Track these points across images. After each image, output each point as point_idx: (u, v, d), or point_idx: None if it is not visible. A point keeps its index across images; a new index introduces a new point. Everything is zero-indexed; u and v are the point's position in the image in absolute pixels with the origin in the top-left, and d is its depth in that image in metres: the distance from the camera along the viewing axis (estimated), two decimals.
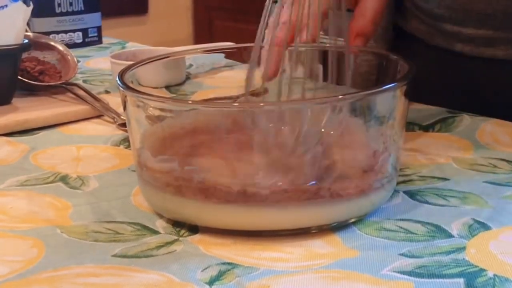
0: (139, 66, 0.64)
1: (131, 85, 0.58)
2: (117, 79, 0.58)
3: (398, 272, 0.48)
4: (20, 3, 0.88)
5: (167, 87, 0.96)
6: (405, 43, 0.94)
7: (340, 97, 0.55)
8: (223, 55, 0.99)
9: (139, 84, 0.62)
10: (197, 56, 1.14)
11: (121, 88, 0.57)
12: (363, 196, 0.55)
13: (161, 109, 0.58)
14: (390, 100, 0.56)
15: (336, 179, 0.54)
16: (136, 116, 0.57)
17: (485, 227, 0.55)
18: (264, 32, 0.63)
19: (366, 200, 0.55)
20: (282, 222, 0.54)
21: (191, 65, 1.07)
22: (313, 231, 0.54)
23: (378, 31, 0.89)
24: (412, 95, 0.79)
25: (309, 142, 0.55)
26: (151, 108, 0.57)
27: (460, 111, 0.82)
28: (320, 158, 0.54)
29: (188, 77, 1.01)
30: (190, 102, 0.62)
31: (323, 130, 0.55)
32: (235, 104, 0.64)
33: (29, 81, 0.90)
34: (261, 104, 0.59)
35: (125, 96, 0.57)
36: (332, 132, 0.56)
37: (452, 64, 0.89)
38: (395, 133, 0.58)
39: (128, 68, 0.62)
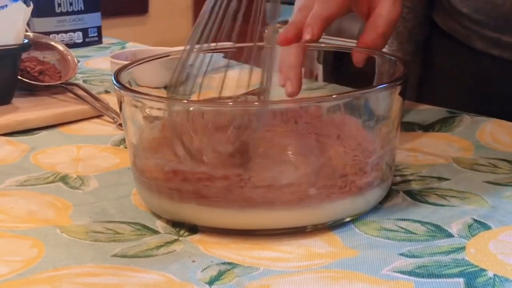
0: (135, 65, 0.63)
1: (127, 85, 0.58)
2: (113, 78, 0.58)
3: (398, 272, 0.48)
4: (20, 3, 0.88)
5: (166, 87, 0.96)
6: (442, 42, 0.93)
7: (335, 96, 0.56)
8: (223, 55, 0.99)
9: (137, 84, 0.62)
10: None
11: (116, 88, 0.57)
12: (358, 195, 0.55)
13: (158, 109, 0.58)
14: (386, 99, 0.56)
15: (330, 177, 0.54)
16: (132, 117, 0.57)
17: (485, 227, 0.55)
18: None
19: (361, 199, 0.56)
20: (277, 222, 0.54)
21: (190, 65, 1.07)
22: (309, 230, 0.54)
23: (405, 33, 0.89)
24: (446, 94, 0.78)
25: (303, 140, 0.55)
26: (147, 108, 0.57)
27: (461, 111, 0.82)
28: (315, 157, 0.54)
29: (187, 77, 1.01)
30: (185, 101, 0.62)
31: (318, 129, 0.55)
32: (232, 103, 0.64)
33: (29, 81, 0.90)
34: (256, 103, 0.59)
35: (121, 96, 0.57)
36: (327, 131, 0.56)
37: (489, 67, 0.89)
38: (390, 132, 0.58)
39: (124, 67, 0.62)
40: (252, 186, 0.53)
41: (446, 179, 0.64)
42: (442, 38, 0.93)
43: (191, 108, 0.57)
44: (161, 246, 0.53)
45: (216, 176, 0.53)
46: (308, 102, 0.58)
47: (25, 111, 0.84)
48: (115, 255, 0.52)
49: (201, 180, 0.53)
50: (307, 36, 0.68)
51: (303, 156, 0.54)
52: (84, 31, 1.29)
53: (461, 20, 0.88)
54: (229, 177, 0.53)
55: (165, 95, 0.63)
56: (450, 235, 0.54)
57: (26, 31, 0.91)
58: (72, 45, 1.22)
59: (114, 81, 0.58)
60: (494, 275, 0.48)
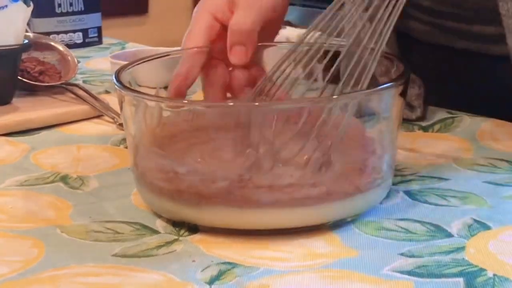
0: (135, 65, 0.63)
1: (127, 84, 0.58)
2: (114, 78, 0.58)
3: (398, 271, 0.48)
4: (20, 4, 0.88)
5: (166, 87, 0.96)
6: (403, 44, 0.92)
7: (335, 97, 0.56)
8: None
9: (137, 84, 0.62)
10: None
11: (117, 87, 0.57)
12: (358, 195, 0.55)
13: (159, 109, 0.58)
14: (386, 100, 0.56)
15: (331, 177, 0.54)
16: (133, 117, 0.57)
17: (484, 226, 0.55)
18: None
19: (361, 199, 0.56)
20: (278, 221, 0.54)
21: None
22: (310, 230, 0.54)
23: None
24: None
25: (305, 141, 0.54)
26: (148, 108, 0.56)
27: (460, 111, 0.82)
28: (315, 157, 0.54)
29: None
30: (186, 101, 0.62)
31: (320, 129, 0.55)
32: (231, 103, 0.64)
33: (29, 81, 0.90)
34: (257, 104, 0.59)
35: (122, 96, 0.57)
36: (327, 131, 0.55)
37: (453, 61, 0.88)
38: (390, 132, 0.58)
39: (125, 67, 0.62)
40: (253, 186, 0.53)
41: (446, 179, 0.64)
42: (400, 40, 0.91)
43: (190, 108, 0.57)
44: (161, 246, 0.53)
45: (217, 176, 0.53)
46: (308, 103, 0.58)
47: (25, 111, 0.84)
48: (115, 255, 0.52)
49: (202, 180, 0.53)
50: (236, 59, 0.62)
51: (304, 156, 0.54)
52: (84, 32, 1.29)
53: (421, 16, 0.87)
54: (230, 178, 0.53)
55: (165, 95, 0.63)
56: (450, 235, 0.54)
57: (26, 31, 0.91)
58: (72, 46, 1.22)
59: (114, 81, 0.58)
60: (494, 275, 0.48)
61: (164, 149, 0.57)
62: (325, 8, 0.61)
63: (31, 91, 0.91)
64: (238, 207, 0.53)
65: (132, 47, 1.26)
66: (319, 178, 0.53)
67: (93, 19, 1.30)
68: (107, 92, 0.97)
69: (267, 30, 0.66)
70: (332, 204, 0.54)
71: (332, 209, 0.54)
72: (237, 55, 0.62)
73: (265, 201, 0.53)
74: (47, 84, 0.91)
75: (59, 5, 1.25)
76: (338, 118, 0.55)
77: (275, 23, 0.68)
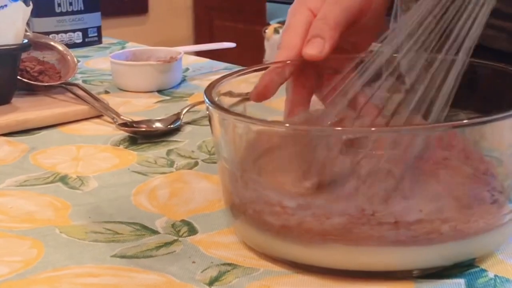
0: (229, 79, 0.56)
1: (227, 96, 0.52)
2: (207, 100, 0.50)
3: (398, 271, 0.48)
4: (20, 3, 0.88)
5: (159, 91, 0.96)
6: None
7: (466, 121, 0.47)
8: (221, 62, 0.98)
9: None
10: (195, 61, 1.14)
11: (219, 112, 0.49)
12: (492, 230, 0.49)
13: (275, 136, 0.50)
14: None
15: (467, 210, 0.47)
16: (239, 140, 0.51)
17: None
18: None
19: (495, 235, 0.49)
20: (401, 262, 0.48)
21: (187, 69, 1.07)
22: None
23: None
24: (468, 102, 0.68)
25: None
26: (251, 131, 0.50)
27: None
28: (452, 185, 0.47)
29: (184, 80, 1.02)
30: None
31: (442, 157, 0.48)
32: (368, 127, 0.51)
33: (29, 81, 0.90)
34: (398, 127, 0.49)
35: (222, 119, 0.49)
36: (451, 160, 0.49)
37: None
38: None
39: (217, 82, 0.54)
40: (376, 222, 0.46)
41: None
42: None
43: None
44: (160, 246, 0.53)
45: (333, 211, 0.47)
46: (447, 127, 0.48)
47: (25, 111, 0.84)
48: (114, 256, 0.52)
49: (316, 215, 0.47)
50: (312, 51, 0.57)
51: (436, 185, 0.47)
52: (84, 31, 1.29)
53: (487, 19, 0.84)
54: (349, 212, 0.46)
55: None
56: None
57: (26, 31, 0.91)
58: (71, 45, 1.22)
59: (205, 99, 0.50)
60: (495, 275, 0.48)
61: (268, 176, 0.50)
62: None
63: (31, 91, 0.91)
64: (357, 245, 0.47)
65: (132, 46, 1.26)
66: (454, 212, 0.47)
67: (92, 19, 1.29)
68: (106, 92, 0.97)
69: (360, 36, 0.63)
70: (471, 240, 0.48)
71: (465, 246, 0.48)
72: (313, 47, 0.57)
73: (388, 239, 0.46)
74: (46, 84, 0.91)
75: (59, 5, 1.25)
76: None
77: (367, 30, 0.64)
